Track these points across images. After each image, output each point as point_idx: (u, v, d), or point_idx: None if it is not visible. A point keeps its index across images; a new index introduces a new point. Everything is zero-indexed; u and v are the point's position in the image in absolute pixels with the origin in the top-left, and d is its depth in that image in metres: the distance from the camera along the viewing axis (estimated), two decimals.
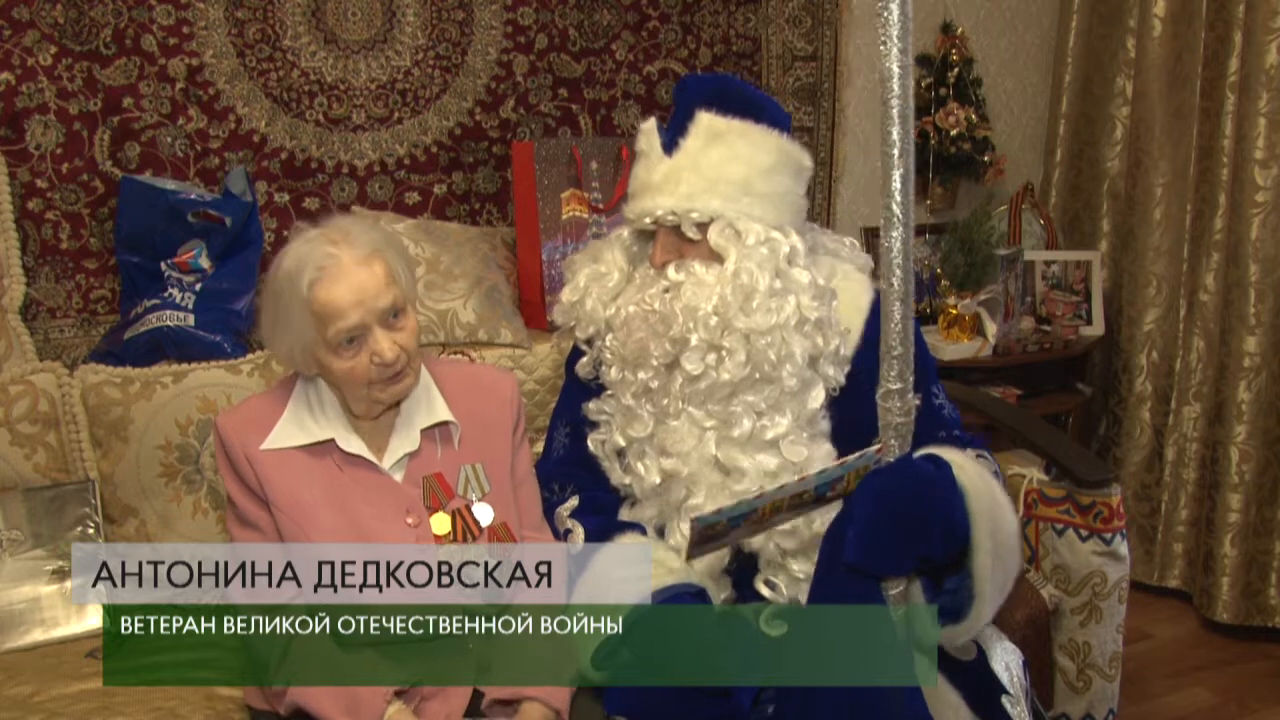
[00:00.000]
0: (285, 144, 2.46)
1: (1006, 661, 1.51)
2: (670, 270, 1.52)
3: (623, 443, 1.55)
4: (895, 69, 1.15)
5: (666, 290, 1.51)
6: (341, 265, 1.38)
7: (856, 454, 1.28)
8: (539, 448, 2.27)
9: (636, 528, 1.54)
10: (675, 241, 1.53)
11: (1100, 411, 3.14)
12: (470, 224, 2.63)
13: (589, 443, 1.60)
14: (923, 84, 3.07)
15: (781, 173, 1.53)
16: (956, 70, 3.02)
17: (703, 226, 1.50)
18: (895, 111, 1.16)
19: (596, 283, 1.62)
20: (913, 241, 1.22)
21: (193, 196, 2.21)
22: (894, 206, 1.19)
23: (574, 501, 1.58)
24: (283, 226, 2.48)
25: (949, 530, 1.28)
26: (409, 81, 2.55)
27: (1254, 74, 2.57)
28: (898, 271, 1.21)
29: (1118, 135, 3.06)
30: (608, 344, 1.57)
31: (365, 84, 2.50)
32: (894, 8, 1.12)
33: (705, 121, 1.50)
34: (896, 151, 1.18)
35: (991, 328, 2.87)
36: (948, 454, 1.35)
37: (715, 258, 1.50)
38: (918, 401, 1.29)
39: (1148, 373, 2.95)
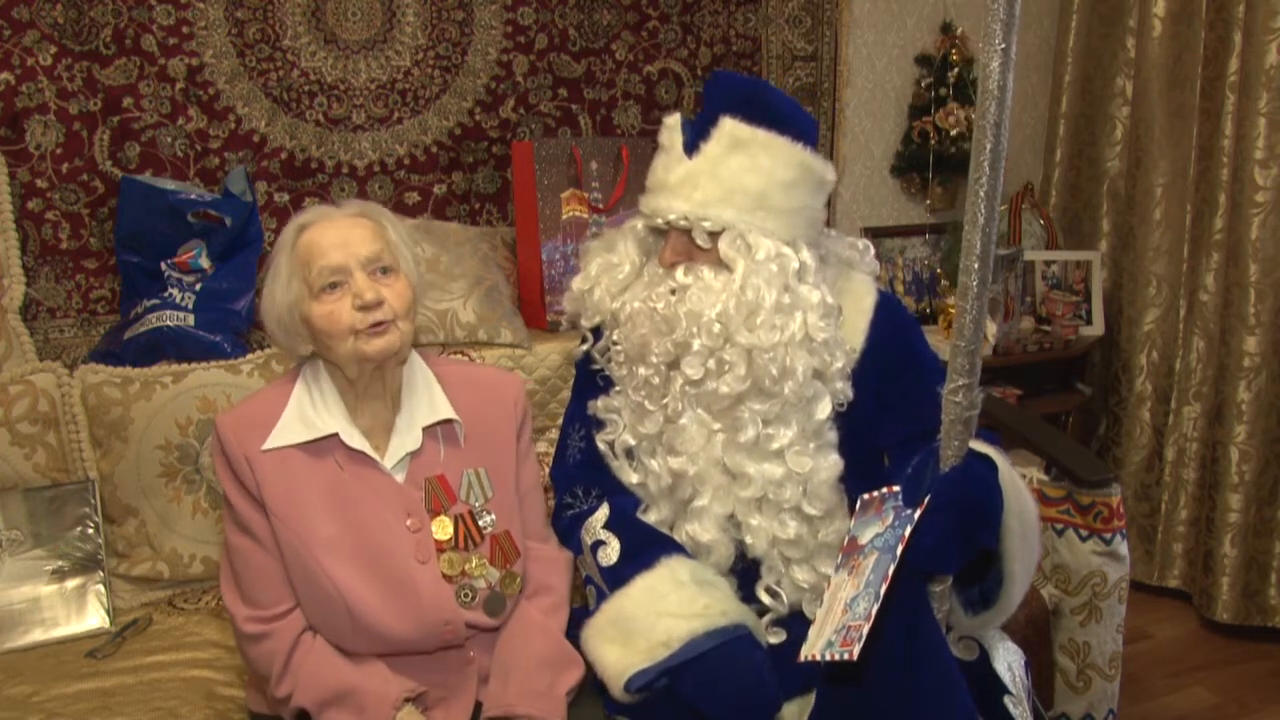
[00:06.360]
0: (285, 144, 2.46)
1: (1009, 662, 1.51)
2: (679, 273, 1.50)
3: (633, 441, 1.54)
4: (995, 68, 1.11)
5: (673, 292, 1.49)
6: (331, 216, 1.44)
7: (891, 515, 1.29)
8: (539, 448, 2.28)
9: (677, 548, 1.49)
10: (686, 244, 1.51)
11: (1100, 411, 3.14)
12: (470, 224, 2.63)
13: (598, 442, 1.58)
14: (922, 84, 3.08)
15: (801, 187, 1.50)
16: (956, 70, 3.02)
17: (714, 235, 1.48)
18: (990, 119, 1.13)
19: (607, 273, 1.60)
20: (996, 237, 1.21)
21: (193, 196, 2.21)
22: (981, 194, 1.17)
23: (604, 512, 1.54)
24: (282, 226, 2.46)
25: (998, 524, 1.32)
26: (409, 81, 2.55)
27: (1254, 74, 2.57)
28: (976, 266, 1.20)
29: (1118, 135, 3.06)
30: (614, 339, 1.57)
31: (365, 84, 2.50)
32: (1001, 4, 1.09)
33: (729, 128, 1.47)
34: (990, 146, 1.14)
35: (991, 328, 2.87)
36: (981, 446, 1.36)
37: (725, 265, 1.49)
38: (983, 395, 1.28)
39: (1147, 373, 2.95)
